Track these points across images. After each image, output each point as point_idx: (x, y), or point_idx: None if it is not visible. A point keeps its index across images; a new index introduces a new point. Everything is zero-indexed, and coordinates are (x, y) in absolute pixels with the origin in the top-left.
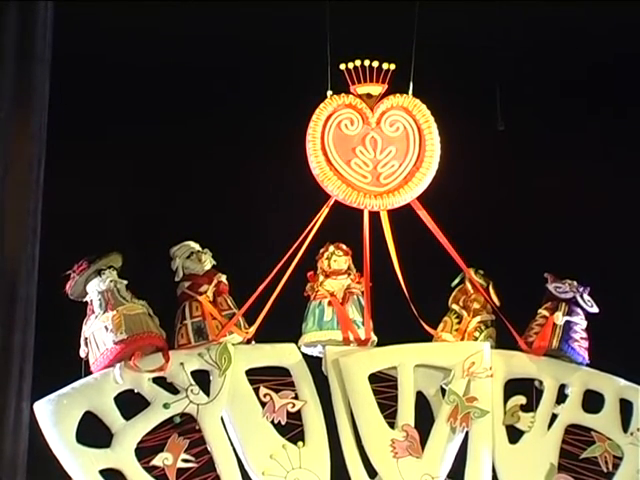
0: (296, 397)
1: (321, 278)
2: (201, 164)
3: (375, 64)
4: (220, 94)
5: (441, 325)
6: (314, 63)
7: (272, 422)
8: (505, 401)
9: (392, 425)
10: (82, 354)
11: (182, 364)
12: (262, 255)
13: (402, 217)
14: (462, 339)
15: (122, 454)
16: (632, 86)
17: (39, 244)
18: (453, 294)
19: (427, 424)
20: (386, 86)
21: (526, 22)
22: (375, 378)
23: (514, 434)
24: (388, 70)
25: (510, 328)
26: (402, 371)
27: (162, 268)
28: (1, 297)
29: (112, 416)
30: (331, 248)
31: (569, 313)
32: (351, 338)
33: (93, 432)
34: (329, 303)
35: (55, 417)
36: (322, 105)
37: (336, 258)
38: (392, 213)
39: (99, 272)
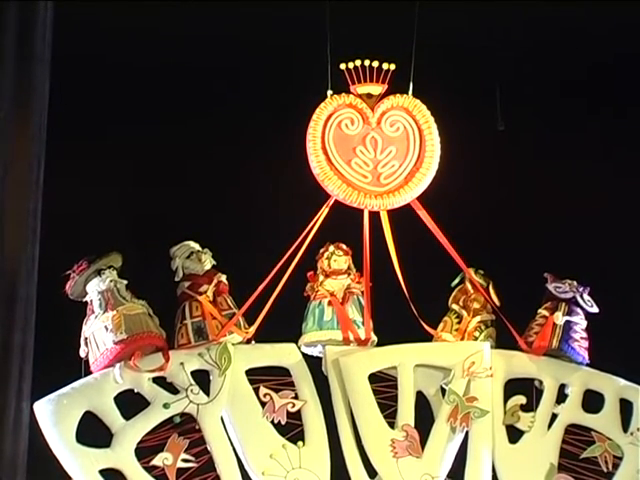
0: (296, 397)
1: (321, 278)
2: (201, 164)
3: (375, 64)
4: (220, 94)
5: (441, 325)
6: (314, 63)
7: (272, 422)
8: (505, 401)
9: (392, 425)
10: (82, 354)
11: (182, 364)
12: (262, 255)
13: (402, 217)
14: (462, 339)
15: (122, 454)
16: (632, 86)
17: (39, 244)
18: (453, 294)
19: (427, 424)
20: (386, 86)
21: (526, 22)
22: (375, 378)
23: (514, 434)
24: (388, 70)
25: (510, 328)
26: (402, 371)
27: (162, 268)
28: (1, 297)
29: (112, 416)
30: (331, 248)
31: (569, 313)
32: (351, 338)
33: (93, 432)
34: (329, 303)
35: (55, 417)
36: (322, 105)
37: (336, 258)
38: (392, 213)
39: (99, 272)
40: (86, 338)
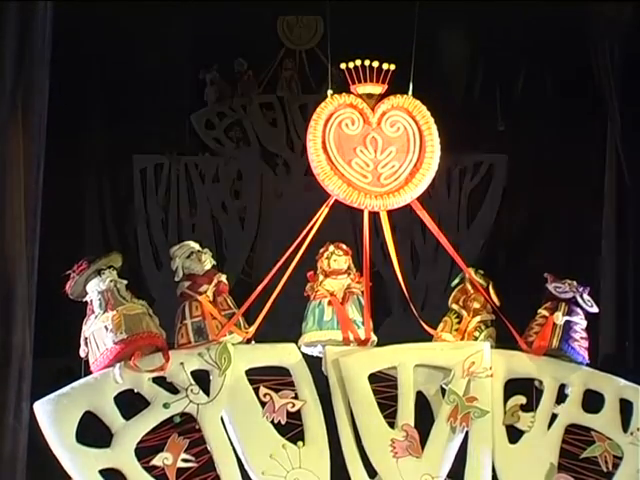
0: (296, 397)
1: (321, 278)
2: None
3: (375, 64)
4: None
5: (441, 325)
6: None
7: (272, 422)
8: (505, 401)
9: (392, 425)
10: (82, 354)
11: (182, 364)
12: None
13: (402, 217)
14: (462, 339)
15: (122, 454)
16: (632, 86)
17: (39, 244)
18: (453, 294)
19: (427, 424)
20: (386, 86)
21: (526, 22)
22: (375, 378)
23: (514, 434)
24: (388, 70)
25: (510, 328)
26: (402, 371)
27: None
28: (1, 297)
29: (112, 416)
30: (331, 248)
31: (569, 313)
32: (351, 338)
33: (93, 432)
34: (329, 303)
35: (55, 417)
36: (322, 104)
37: (336, 258)
38: (392, 213)
39: (99, 272)
40: (86, 338)
